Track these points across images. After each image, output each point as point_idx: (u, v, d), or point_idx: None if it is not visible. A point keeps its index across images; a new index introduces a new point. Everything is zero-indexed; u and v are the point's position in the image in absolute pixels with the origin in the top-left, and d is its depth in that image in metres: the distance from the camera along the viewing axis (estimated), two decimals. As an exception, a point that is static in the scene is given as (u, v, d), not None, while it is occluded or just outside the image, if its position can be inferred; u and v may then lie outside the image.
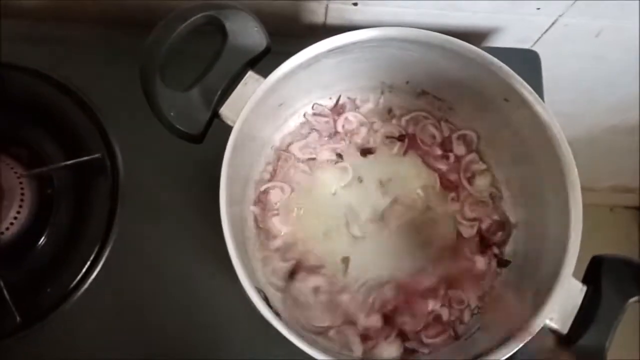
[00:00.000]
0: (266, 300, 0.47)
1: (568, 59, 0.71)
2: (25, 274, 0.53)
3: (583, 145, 0.95)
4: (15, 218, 0.51)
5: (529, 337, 0.41)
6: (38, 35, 0.57)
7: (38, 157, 0.55)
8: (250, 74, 0.45)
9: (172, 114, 0.43)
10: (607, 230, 1.07)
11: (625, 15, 0.61)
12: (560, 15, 0.61)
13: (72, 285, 0.52)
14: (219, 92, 0.44)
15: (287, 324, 0.41)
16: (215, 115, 0.45)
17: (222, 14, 0.43)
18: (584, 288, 0.44)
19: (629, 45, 0.67)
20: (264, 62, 0.46)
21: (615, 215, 1.24)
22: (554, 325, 0.43)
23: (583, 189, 0.44)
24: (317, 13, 0.61)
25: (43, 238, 0.54)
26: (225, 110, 0.44)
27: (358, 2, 0.59)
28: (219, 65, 0.44)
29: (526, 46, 0.67)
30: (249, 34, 0.44)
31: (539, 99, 0.45)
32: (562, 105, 0.80)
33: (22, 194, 0.52)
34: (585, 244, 0.43)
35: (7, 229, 0.50)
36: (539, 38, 0.66)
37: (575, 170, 0.44)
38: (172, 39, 0.43)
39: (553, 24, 0.63)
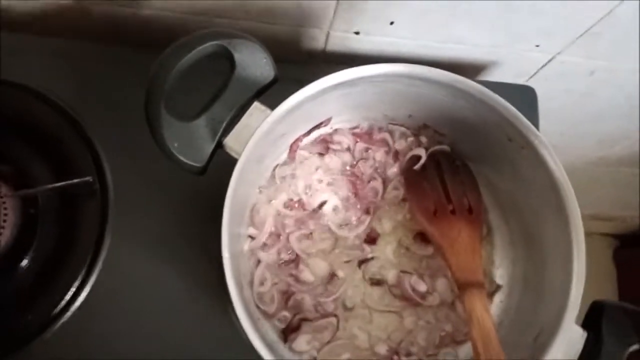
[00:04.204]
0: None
1: (560, 94, 0.72)
2: (5, 300, 0.50)
3: (565, 176, 0.96)
4: (-3, 240, 0.49)
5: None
6: (30, 51, 0.55)
7: (24, 177, 0.52)
8: (256, 104, 0.44)
9: (175, 144, 0.42)
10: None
11: (621, 57, 0.62)
12: (558, 53, 0.62)
13: (54, 313, 0.50)
14: (224, 123, 0.43)
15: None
16: (219, 146, 0.43)
17: (232, 44, 0.42)
18: (585, 334, 0.44)
19: (620, 85, 0.69)
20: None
21: (591, 242, 1.26)
22: (556, 372, 0.43)
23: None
24: (317, 40, 0.60)
25: (25, 261, 0.51)
26: (229, 141, 0.43)
27: (360, 31, 0.58)
28: (226, 96, 0.43)
29: (521, 80, 0.68)
30: (257, 65, 0.43)
31: (545, 142, 0.45)
32: (550, 137, 0.81)
33: (5, 215, 0.49)
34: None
35: (-12, 252, 0.48)
36: (535, 73, 0.67)
37: (579, 215, 0.44)
38: (179, 66, 0.41)
39: (550, 60, 0.64)
